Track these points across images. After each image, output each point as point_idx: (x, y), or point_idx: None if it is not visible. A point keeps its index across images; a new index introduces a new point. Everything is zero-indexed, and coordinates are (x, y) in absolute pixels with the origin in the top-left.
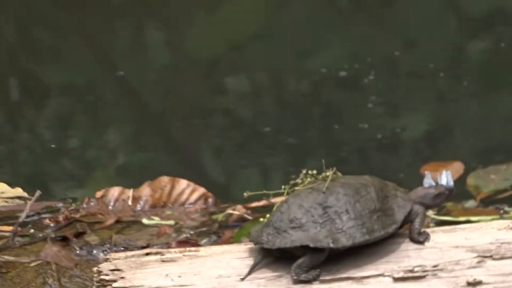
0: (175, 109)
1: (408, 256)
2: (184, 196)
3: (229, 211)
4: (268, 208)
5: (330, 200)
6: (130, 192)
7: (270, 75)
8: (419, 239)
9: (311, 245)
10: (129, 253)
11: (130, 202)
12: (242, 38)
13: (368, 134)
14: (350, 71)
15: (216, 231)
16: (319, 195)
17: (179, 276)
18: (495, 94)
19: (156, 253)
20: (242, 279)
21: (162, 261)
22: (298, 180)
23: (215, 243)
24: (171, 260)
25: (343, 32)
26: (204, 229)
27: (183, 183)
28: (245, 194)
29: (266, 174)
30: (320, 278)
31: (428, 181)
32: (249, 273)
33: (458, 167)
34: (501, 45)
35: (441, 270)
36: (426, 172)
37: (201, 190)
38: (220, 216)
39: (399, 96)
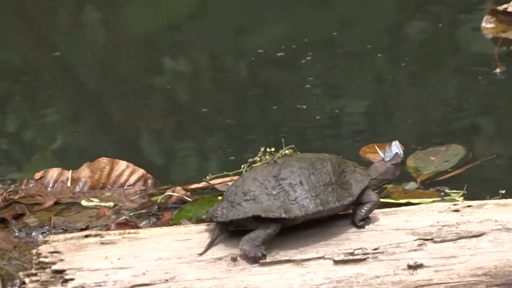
0: (112, 89)
1: (348, 238)
2: (123, 178)
3: (169, 192)
4: (207, 190)
5: (284, 173)
6: (69, 174)
7: (207, 54)
8: (360, 224)
9: (263, 215)
10: (68, 235)
11: (69, 184)
12: (179, 16)
13: (306, 115)
14: (287, 51)
15: (155, 213)
16: (274, 168)
17: (119, 259)
18: (434, 75)
19: (96, 235)
20: (200, 254)
21: (102, 243)
22: (257, 158)
23: (155, 225)
24: (111, 242)
25: (281, 11)
26: (143, 211)
27: (122, 164)
28: (207, 177)
29: (205, 155)
30: (263, 261)
31: (388, 154)
32: (207, 248)
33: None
34: (439, 25)
35: (382, 253)
36: (376, 146)
37: (140, 172)
38: (159, 198)
39: (337, 77)
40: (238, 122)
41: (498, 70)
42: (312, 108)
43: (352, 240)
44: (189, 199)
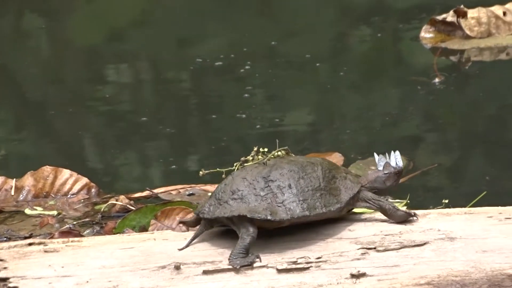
0: (56, 98)
1: (291, 247)
2: (67, 186)
3: (112, 201)
4: (150, 199)
5: (274, 175)
6: (12, 182)
7: (149, 64)
8: (407, 212)
9: (249, 215)
10: (12, 243)
11: (12, 192)
12: (122, 26)
13: (246, 123)
14: (226, 61)
15: (99, 222)
16: (264, 169)
17: (62, 267)
18: (374, 85)
19: (39, 244)
20: (181, 249)
21: (45, 251)
22: (249, 157)
23: (98, 233)
24: (54, 251)
25: (223, 21)
26: (87, 219)
27: (66, 173)
28: (200, 172)
29: (147, 164)
30: (204, 269)
31: (381, 163)
32: (189, 243)
33: (337, 158)
34: (378, 35)
35: (325, 261)
36: (375, 154)
37: (84, 180)
38: (103, 207)
39: (276, 86)
40: (178, 131)
41: (437, 80)
42: (252, 117)
43: (295, 248)
44: (133, 208)
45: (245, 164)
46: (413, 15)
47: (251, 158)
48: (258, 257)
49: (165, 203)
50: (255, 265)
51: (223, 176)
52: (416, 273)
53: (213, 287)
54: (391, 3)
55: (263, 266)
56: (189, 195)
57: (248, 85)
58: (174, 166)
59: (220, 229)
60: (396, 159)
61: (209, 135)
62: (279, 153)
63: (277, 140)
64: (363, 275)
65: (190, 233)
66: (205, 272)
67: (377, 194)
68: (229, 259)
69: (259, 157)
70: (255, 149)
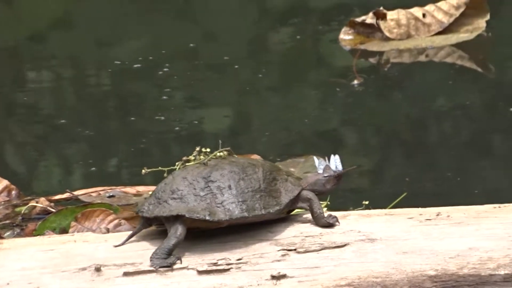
0: None
1: (212, 249)
2: None
3: (32, 203)
4: (70, 201)
5: (214, 175)
6: None
7: (68, 66)
8: (328, 221)
9: (187, 215)
10: None
11: None
12: (42, 27)
13: (165, 126)
14: (144, 63)
15: (19, 224)
16: (205, 169)
17: None
18: (293, 87)
19: None
20: (116, 246)
21: None
22: (191, 157)
23: (19, 235)
24: None
25: (143, 23)
26: (7, 221)
27: None
28: (143, 171)
29: (67, 166)
30: (124, 271)
31: (321, 166)
32: (126, 240)
33: None
34: (297, 37)
35: (245, 263)
36: (315, 157)
37: (4, 183)
38: (23, 209)
39: (195, 88)
40: (98, 133)
41: (356, 81)
42: (171, 119)
43: (216, 250)
44: (53, 210)
45: (187, 164)
46: (332, 16)
47: (193, 157)
48: (179, 259)
49: (85, 205)
50: (175, 266)
51: (165, 175)
52: (337, 275)
53: None
54: (311, 4)
55: (184, 268)
56: (109, 197)
57: (167, 87)
58: (94, 168)
59: (146, 229)
60: (336, 162)
61: (128, 137)
62: (221, 153)
63: (220, 141)
64: (284, 276)
65: (111, 235)
66: (126, 274)
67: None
68: (150, 258)
69: (201, 157)
70: (197, 149)
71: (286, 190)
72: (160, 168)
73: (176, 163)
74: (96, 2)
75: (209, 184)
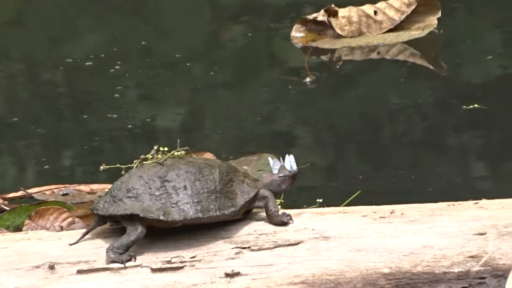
0: None
1: (166, 247)
2: None
3: None
4: (25, 199)
5: (170, 175)
6: None
7: (20, 63)
8: (282, 219)
9: (141, 214)
10: None
11: None
12: None
13: (118, 123)
14: (96, 61)
15: None
16: (161, 169)
17: None
18: (245, 85)
19: None
20: (71, 244)
21: None
22: (149, 155)
23: None
24: None
25: (93, 20)
26: None
27: None
28: (101, 167)
29: (20, 164)
30: (78, 269)
31: (276, 166)
32: (81, 237)
33: (209, 158)
34: (249, 34)
35: (199, 261)
36: (269, 157)
37: None
38: None
39: (147, 86)
40: (50, 131)
41: (308, 79)
42: (124, 117)
43: (170, 248)
44: (7, 208)
45: (144, 163)
46: (284, 14)
47: (150, 156)
48: (133, 257)
49: (39, 203)
50: (129, 264)
51: (122, 172)
52: (291, 272)
53: (87, 287)
54: (262, 2)
55: (138, 266)
56: (63, 195)
57: (119, 85)
58: (47, 166)
59: (100, 227)
60: (290, 162)
61: (81, 135)
62: (179, 153)
63: (178, 140)
64: (237, 274)
65: (65, 233)
66: (80, 272)
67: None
68: (106, 250)
69: (159, 155)
70: (155, 147)
71: (242, 191)
72: (118, 165)
73: (134, 161)
74: (48, 0)
75: (164, 183)
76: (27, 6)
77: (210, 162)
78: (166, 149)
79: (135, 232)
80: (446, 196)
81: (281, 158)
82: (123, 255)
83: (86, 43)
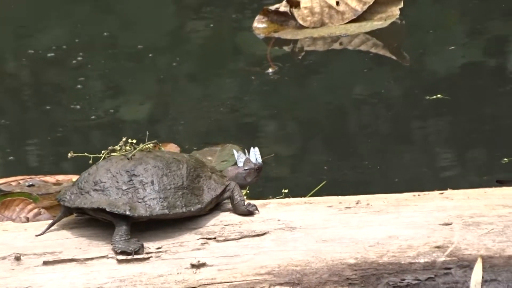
0: None
1: (132, 238)
2: None
3: None
4: None
5: (138, 169)
6: None
7: None
8: (248, 209)
9: (108, 209)
10: None
11: None
12: None
13: (81, 114)
14: (58, 52)
15: None
16: (129, 163)
17: None
18: (208, 76)
19: None
20: (38, 235)
21: None
22: (117, 147)
23: None
24: None
25: (55, 11)
26: None
27: None
28: (69, 154)
29: None
30: (44, 260)
31: (241, 159)
32: (47, 229)
33: (172, 149)
34: (211, 25)
35: (165, 252)
36: (234, 150)
37: None
38: None
39: (109, 77)
40: (14, 123)
41: (270, 70)
42: (86, 108)
43: (136, 239)
44: None
45: (112, 154)
46: (245, 5)
47: (118, 148)
48: (142, 246)
49: (5, 194)
50: (94, 255)
51: (90, 162)
52: (256, 263)
53: (53, 278)
54: None
55: (104, 257)
56: (29, 186)
57: (81, 76)
58: (12, 158)
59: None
60: (255, 155)
61: (44, 126)
62: (147, 146)
63: (147, 132)
64: (203, 265)
65: (31, 224)
66: (46, 263)
67: None
68: (112, 243)
69: (127, 147)
70: (124, 139)
71: (209, 188)
72: (86, 154)
73: (102, 152)
74: None
75: (132, 178)
76: None
77: (178, 156)
78: (134, 141)
79: (121, 221)
80: (411, 187)
81: (246, 151)
82: (130, 243)
83: (48, 34)
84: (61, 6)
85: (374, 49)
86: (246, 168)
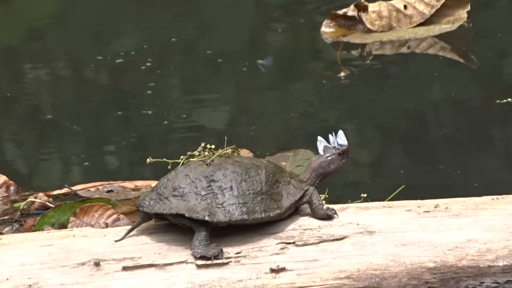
0: None
1: (211, 242)
2: None
3: (31, 199)
4: (69, 196)
5: (217, 175)
6: None
7: (65, 62)
8: (327, 213)
9: (187, 215)
10: None
11: None
12: (38, 25)
13: (153, 120)
14: (126, 58)
15: (18, 219)
16: (208, 168)
17: None
18: (279, 81)
19: None
20: (117, 241)
21: None
22: (196, 152)
23: (18, 231)
24: None
25: (133, 18)
26: (6, 217)
27: None
28: (148, 160)
29: (65, 161)
30: (123, 265)
31: (321, 148)
32: (126, 234)
33: (245, 155)
34: (279, 30)
35: (244, 256)
36: (318, 137)
37: (2, 178)
38: (22, 204)
39: (178, 82)
40: (88, 128)
41: (342, 74)
42: (158, 114)
43: (215, 244)
44: (52, 205)
45: (191, 159)
46: (313, 10)
47: (197, 153)
48: (221, 251)
49: (83, 200)
50: (173, 260)
51: (169, 167)
52: (336, 267)
53: (133, 283)
54: None
55: (183, 262)
56: (108, 191)
57: (151, 81)
58: (87, 163)
59: (145, 223)
60: (339, 139)
61: (118, 132)
62: (226, 151)
63: (225, 137)
64: (283, 269)
65: (110, 230)
66: (125, 268)
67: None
68: (191, 248)
69: (206, 153)
70: (202, 144)
71: (288, 193)
72: (164, 159)
73: (181, 157)
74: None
75: (211, 183)
76: (64, 7)
77: (256, 162)
78: (213, 146)
79: (202, 226)
80: (490, 190)
81: (330, 136)
82: (209, 248)
83: (117, 41)
84: (134, 11)
85: (442, 52)
86: (327, 155)
